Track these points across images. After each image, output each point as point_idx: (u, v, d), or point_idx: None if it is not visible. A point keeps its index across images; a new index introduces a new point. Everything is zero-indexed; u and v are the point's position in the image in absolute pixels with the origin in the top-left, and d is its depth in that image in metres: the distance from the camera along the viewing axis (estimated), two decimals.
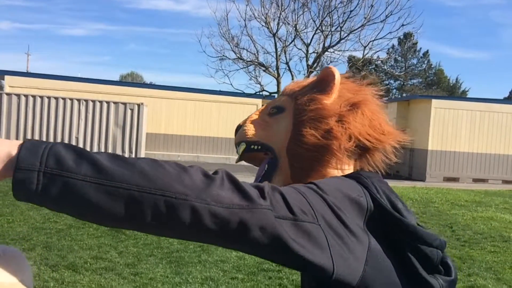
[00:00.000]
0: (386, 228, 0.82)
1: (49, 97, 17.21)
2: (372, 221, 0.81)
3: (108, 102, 17.52)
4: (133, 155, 17.71)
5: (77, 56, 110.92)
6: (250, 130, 1.05)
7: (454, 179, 18.53)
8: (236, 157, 1.13)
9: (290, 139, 0.98)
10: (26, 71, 27.56)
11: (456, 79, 54.05)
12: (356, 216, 0.80)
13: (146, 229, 0.69)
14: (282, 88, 13.22)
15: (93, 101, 17.44)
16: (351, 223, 0.78)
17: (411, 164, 19.38)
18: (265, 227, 0.69)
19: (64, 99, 17.29)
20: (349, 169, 0.99)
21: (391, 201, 0.85)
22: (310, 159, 0.95)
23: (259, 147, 1.03)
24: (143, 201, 0.65)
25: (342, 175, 0.93)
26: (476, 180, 18.70)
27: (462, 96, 45.84)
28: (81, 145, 17.35)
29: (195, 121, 21.13)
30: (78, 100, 17.36)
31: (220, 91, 20.94)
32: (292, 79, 12.95)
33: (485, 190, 15.77)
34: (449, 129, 18.45)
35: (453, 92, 50.40)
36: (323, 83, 1.00)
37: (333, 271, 0.74)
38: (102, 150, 17.55)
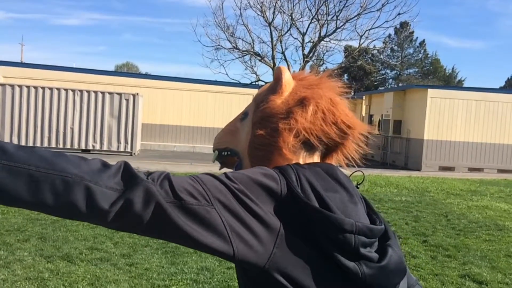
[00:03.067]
0: (300, 215, 0.83)
1: (43, 88, 17.09)
2: (285, 207, 0.83)
3: (103, 93, 17.43)
4: (129, 146, 17.67)
5: (71, 46, 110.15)
6: (221, 138, 1.12)
7: (450, 169, 18.60)
8: None
9: (248, 142, 1.02)
10: (20, 62, 27.30)
11: (452, 68, 54.06)
12: (266, 202, 0.82)
13: (47, 210, 0.74)
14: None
15: (88, 92, 17.34)
16: (259, 208, 0.81)
17: (407, 153, 19.42)
18: (149, 203, 0.75)
19: (58, 89, 17.18)
20: (305, 161, 0.99)
21: (317, 192, 0.86)
22: (262, 158, 0.98)
23: (229, 152, 1.09)
24: (41, 180, 0.71)
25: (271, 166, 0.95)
26: (471, 169, 18.77)
27: (458, 85, 45.90)
28: (76, 136, 17.30)
29: (191, 111, 21.06)
30: (73, 91, 17.25)
31: (216, 81, 20.86)
32: (288, 68, 12.88)
33: (481, 179, 15.84)
34: (445, 118, 18.47)
35: (449, 82, 50.41)
36: (276, 84, 1.03)
37: (233, 253, 0.79)
38: (98, 141, 17.51)
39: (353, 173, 1.13)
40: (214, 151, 1.14)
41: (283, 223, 0.83)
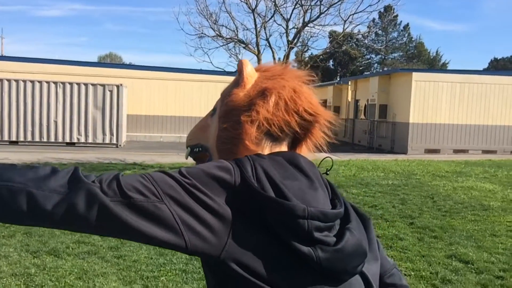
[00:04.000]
0: (254, 204, 0.85)
1: (24, 81, 16.79)
2: (239, 198, 0.85)
3: (86, 84, 17.18)
4: (114, 138, 17.51)
5: (53, 38, 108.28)
6: (193, 134, 1.13)
7: (435, 151, 18.79)
8: None
9: (216, 136, 1.03)
10: (0, 55, 26.75)
11: (437, 51, 54.42)
12: (220, 193, 0.84)
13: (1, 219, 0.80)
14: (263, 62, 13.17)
15: (71, 84, 17.08)
16: (212, 200, 0.83)
17: (393, 137, 19.56)
18: (91, 205, 0.78)
19: (40, 82, 16.89)
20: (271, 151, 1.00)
21: (272, 180, 0.87)
22: (228, 152, 0.99)
23: (200, 148, 1.10)
24: None
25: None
26: (456, 151, 18.98)
27: (442, 68, 46.22)
28: (60, 129, 17.07)
29: (176, 101, 20.89)
30: (55, 83, 16.98)
31: (201, 70, 20.67)
32: (273, 55, 12.81)
33: (465, 160, 16.04)
34: (429, 101, 18.59)
35: (434, 65, 50.74)
36: (238, 77, 1.04)
37: (185, 245, 0.81)
38: (83, 134, 17.30)
39: (322, 160, 1.13)
40: (187, 147, 1.15)
41: (237, 213, 0.84)
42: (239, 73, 1.04)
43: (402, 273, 4.68)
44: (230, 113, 1.00)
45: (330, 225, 0.89)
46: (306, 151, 1.06)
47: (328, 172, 1.09)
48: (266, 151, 0.99)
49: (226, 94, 1.05)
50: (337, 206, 0.94)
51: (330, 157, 1.14)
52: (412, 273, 4.75)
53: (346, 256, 0.87)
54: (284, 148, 1.02)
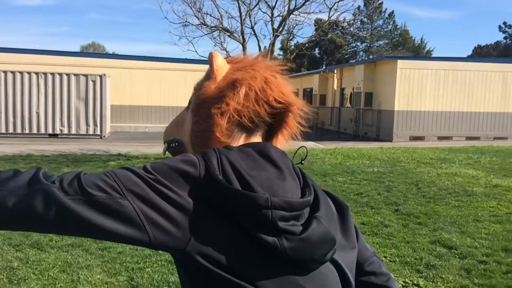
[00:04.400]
0: (219, 196, 0.85)
1: (5, 72, 16.46)
2: (204, 190, 0.85)
3: (68, 75, 16.90)
4: (98, 129, 17.31)
5: (34, 28, 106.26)
6: (169, 129, 1.14)
7: (420, 138, 18.96)
8: None
9: (190, 130, 1.04)
10: None
11: (421, 39, 54.84)
12: (184, 187, 0.84)
13: None
14: (247, 53, 13.10)
15: (52, 74, 16.78)
16: (176, 194, 0.83)
17: (378, 125, 19.67)
18: (49, 205, 0.78)
19: (21, 73, 16.57)
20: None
21: (238, 172, 0.87)
22: (200, 145, 0.99)
23: (176, 143, 1.10)
24: None
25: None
26: (441, 138, 19.19)
27: (427, 56, 46.51)
28: (42, 120, 16.81)
29: (161, 91, 20.69)
30: (37, 74, 16.67)
31: (185, 59, 20.46)
32: (258, 43, 12.72)
33: (450, 147, 16.22)
34: (414, 89, 18.71)
35: (418, 52, 51.03)
36: (209, 69, 1.04)
37: (149, 240, 0.81)
38: (65, 124, 17.06)
39: (298, 149, 1.13)
40: (164, 143, 1.14)
41: (202, 206, 0.84)
42: (210, 66, 1.03)
43: (387, 260, 4.73)
44: (201, 106, 1.00)
45: (296, 214, 0.87)
46: (282, 141, 1.05)
47: (303, 162, 1.09)
48: (239, 143, 0.98)
49: (198, 87, 1.05)
50: (306, 195, 0.93)
51: (305, 146, 1.14)
52: (397, 259, 4.80)
53: (312, 245, 0.86)
54: (257, 139, 1.01)
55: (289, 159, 0.99)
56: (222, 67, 1.02)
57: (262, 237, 0.83)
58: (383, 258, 4.79)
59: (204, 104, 1.00)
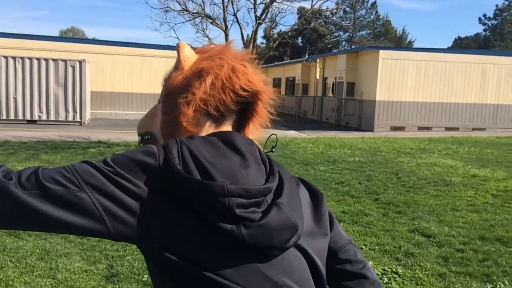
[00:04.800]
0: (177, 186, 0.85)
1: None
2: (163, 180, 0.85)
3: (46, 59, 16.52)
4: (78, 115, 17.02)
5: (10, 12, 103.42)
6: (142, 122, 1.13)
7: (401, 128, 19.18)
8: None
9: (160, 122, 1.04)
10: None
11: (403, 30, 55.12)
12: (143, 178, 0.85)
13: None
14: (230, 40, 12.97)
15: (30, 59, 16.38)
16: (134, 185, 0.84)
17: (360, 115, 19.82)
18: (5, 201, 0.79)
19: None
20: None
21: (198, 160, 0.87)
22: (169, 136, 0.99)
23: (149, 136, 1.09)
24: None
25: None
26: (421, 128, 19.44)
27: (408, 46, 46.89)
28: (20, 106, 16.44)
29: (142, 77, 20.40)
30: (14, 58, 16.25)
31: (167, 45, 20.18)
32: (241, 31, 12.63)
33: (429, 137, 16.46)
34: (395, 79, 18.86)
35: (400, 43, 51.42)
36: (177, 60, 1.04)
37: (108, 231, 0.82)
38: (44, 110, 16.73)
39: (269, 137, 1.12)
40: (138, 136, 1.14)
41: (161, 196, 0.84)
42: (177, 56, 1.04)
43: (367, 248, 4.78)
44: (169, 97, 1.01)
45: (256, 201, 0.87)
46: (253, 130, 1.05)
47: (273, 150, 1.09)
48: (208, 132, 0.99)
49: (166, 78, 1.05)
50: (269, 182, 0.92)
51: (275, 134, 1.13)
52: (377, 247, 4.86)
53: (271, 231, 0.86)
54: (227, 128, 1.01)
55: (257, 147, 0.98)
56: (189, 57, 1.03)
57: (220, 225, 0.83)
58: (363, 247, 4.85)
59: (171, 94, 1.00)
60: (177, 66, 1.03)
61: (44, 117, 16.73)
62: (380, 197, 6.97)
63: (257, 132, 1.06)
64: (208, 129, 0.99)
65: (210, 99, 0.96)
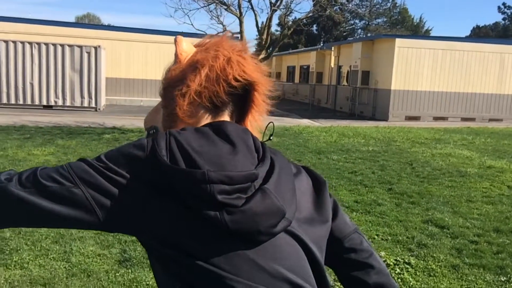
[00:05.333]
0: (165, 176, 0.87)
1: None
2: (151, 172, 0.88)
3: (62, 45, 16.63)
4: (93, 101, 17.16)
5: None
6: (147, 116, 1.16)
7: (416, 118, 18.96)
8: None
9: (161, 115, 1.07)
10: None
11: (420, 18, 54.26)
12: (132, 170, 0.88)
13: None
14: (245, 27, 12.64)
15: (46, 44, 16.50)
16: (124, 178, 0.87)
17: (374, 104, 19.62)
18: (8, 198, 0.85)
19: (14, 42, 16.28)
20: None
21: (184, 150, 0.88)
22: (168, 128, 1.01)
23: (154, 130, 1.10)
24: None
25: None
26: (436, 118, 19.19)
27: (425, 35, 46.11)
28: (36, 91, 16.61)
29: (157, 64, 20.41)
30: (30, 44, 16.38)
31: (182, 32, 20.13)
32: (255, 17, 12.52)
33: (445, 127, 16.24)
34: (411, 68, 18.59)
35: (417, 31, 50.59)
36: (175, 53, 1.06)
37: (100, 220, 0.87)
38: (60, 96, 16.89)
39: (267, 126, 1.13)
40: (145, 131, 1.17)
41: (149, 187, 0.87)
42: (175, 50, 1.06)
43: (379, 238, 4.75)
44: (167, 90, 1.03)
45: (241, 187, 0.87)
46: (253, 120, 1.07)
47: (271, 138, 1.11)
48: (205, 123, 1.00)
49: (165, 72, 1.07)
50: (256, 168, 0.92)
51: (272, 122, 1.14)
52: (389, 237, 4.83)
53: (255, 216, 0.86)
54: (224, 118, 1.03)
55: (250, 135, 0.99)
56: (186, 50, 1.05)
57: (204, 212, 0.85)
58: (375, 237, 4.83)
59: (169, 87, 1.02)
60: (175, 59, 1.05)
61: (60, 102, 16.89)
62: (393, 187, 6.92)
63: (257, 121, 1.07)
64: (205, 120, 1.01)
65: (204, 91, 0.97)
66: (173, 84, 1.02)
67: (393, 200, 6.26)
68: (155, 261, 0.92)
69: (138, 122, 13.82)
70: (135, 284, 3.62)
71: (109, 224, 0.87)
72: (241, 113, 1.05)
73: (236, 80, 0.98)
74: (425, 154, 10.09)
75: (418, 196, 6.49)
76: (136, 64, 20.36)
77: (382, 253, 4.34)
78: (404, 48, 18.43)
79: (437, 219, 5.46)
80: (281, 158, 1.00)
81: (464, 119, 19.29)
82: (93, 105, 17.11)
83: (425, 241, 4.74)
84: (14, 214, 0.87)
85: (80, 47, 16.76)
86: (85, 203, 0.86)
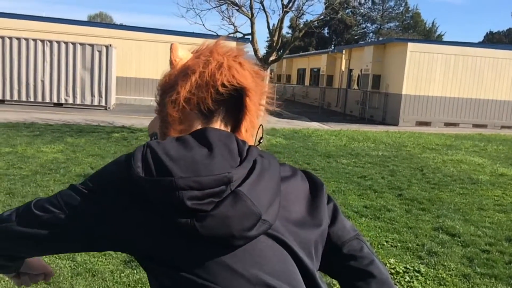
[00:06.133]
0: (139, 187, 0.87)
1: (10, 38, 16.28)
2: (128, 185, 0.88)
3: (74, 43, 16.72)
4: (103, 100, 17.22)
5: None
6: (150, 123, 1.14)
7: (426, 123, 18.77)
8: None
9: None
10: None
11: (433, 22, 53.89)
12: (111, 186, 0.89)
13: None
14: (256, 29, 12.53)
15: (58, 42, 16.59)
16: (103, 196, 0.89)
17: (385, 108, 19.47)
18: (7, 233, 0.93)
19: (27, 39, 16.39)
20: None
21: (158, 159, 0.87)
22: (162, 134, 1.03)
23: (156, 137, 1.10)
24: None
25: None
26: (447, 124, 18.99)
27: (437, 40, 45.78)
28: (47, 89, 16.71)
29: (167, 64, 20.32)
30: (42, 41, 16.49)
31: (193, 33, 20.15)
32: (267, 19, 12.48)
33: (456, 134, 16.06)
34: (423, 73, 18.42)
35: (429, 36, 50.27)
36: (169, 60, 1.06)
37: (88, 241, 0.91)
38: (70, 94, 16.97)
39: (258, 129, 1.09)
40: (149, 136, 1.18)
41: (130, 201, 0.87)
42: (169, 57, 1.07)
43: (388, 244, 4.66)
44: (160, 96, 1.03)
45: (213, 192, 0.85)
46: (248, 126, 1.04)
47: (260, 141, 1.08)
48: (196, 129, 0.99)
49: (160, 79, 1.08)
50: (233, 171, 0.88)
51: (261, 125, 1.10)
52: (399, 244, 4.74)
53: (225, 220, 0.84)
54: (216, 124, 1.01)
55: (234, 139, 0.96)
56: (181, 57, 1.04)
57: (176, 220, 0.83)
58: (385, 243, 4.74)
59: (162, 94, 1.02)
60: (170, 66, 1.05)
61: (70, 100, 16.97)
62: (403, 193, 6.82)
63: (254, 127, 1.04)
64: (196, 126, 1.00)
65: (193, 98, 0.97)
66: (165, 90, 1.02)
67: (403, 206, 6.16)
68: (148, 273, 0.92)
69: (147, 122, 13.77)
70: (140, 285, 3.58)
71: (98, 243, 0.91)
72: (236, 119, 1.03)
73: (224, 86, 0.96)
74: (436, 160, 9.96)
75: (429, 202, 6.39)
76: (146, 64, 20.41)
77: (392, 260, 4.26)
78: (416, 53, 18.27)
79: (448, 226, 5.36)
80: (269, 160, 0.95)
81: (475, 126, 19.06)
82: (103, 103, 17.17)
83: (435, 249, 4.65)
84: (15, 246, 0.95)
85: (92, 45, 16.83)
86: (71, 226, 0.90)
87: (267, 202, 0.88)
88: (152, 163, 0.87)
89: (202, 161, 0.88)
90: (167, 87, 1.01)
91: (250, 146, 0.97)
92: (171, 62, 1.05)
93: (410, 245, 4.73)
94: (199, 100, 0.97)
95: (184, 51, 1.06)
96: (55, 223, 0.90)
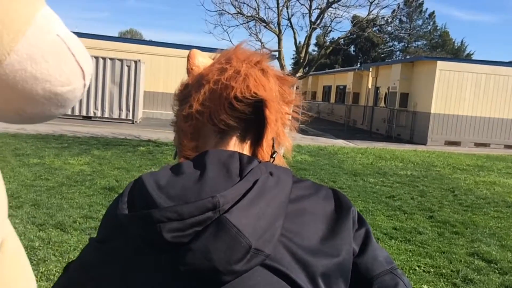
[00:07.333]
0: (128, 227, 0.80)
1: None
2: (120, 226, 0.80)
3: (104, 58, 17.03)
4: (131, 114, 17.41)
5: (75, 12, 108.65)
6: (174, 137, 1.05)
7: (456, 143, 18.30)
8: None
9: None
10: None
11: (462, 41, 53.16)
12: (110, 228, 0.84)
13: None
14: (283, 45, 12.56)
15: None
16: (107, 243, 0.83)
17: (413, 127, 19.09)
18: None
19: None
20: (217, 146, 0.92)
21: (145, 190, 0.78)
22: (178, 149, 0.96)
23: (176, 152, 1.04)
24: None
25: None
26: (477, 145, 18.47)
27: (467, 58, 45.02)
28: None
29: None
30: None
31: (221, 49, 20.32)
32: (294, 36, 12.44)
33: (487, 154, 15.57)
34: (453, 92, 18.03)
35: (458, 55, 49.52)
36: (186, 69, 0.99)
37: None
38: (99, 108, 17.24)
39: (273, 141, 0.95)
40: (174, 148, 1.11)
41: (123, 242, 0.81)
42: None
43: (421, 269, 4.43)
44: (176, 107, 0.96)
45: (197, 220, 0.73)
46: (269, 139, 0.91)
47: (273, 156, 0.93)
48: (211, 145, 0.90)
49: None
50: (215, 195, 0.75)
51: (273, 138, 0.97)
52: (432, 269, 4.50)
53: (206, 253, 0.72)
54: (231, 139, 0.90)
55: (237, 158, 0.84)
56: (199, 64, 0.97)
57: (156, 256, 0.76)
58: (416, 268, 4.51)
59: (176, 106, 0.96)
60: (188, 74, 0.98)
61: (99, 113, 17.24)
62: (434, 215, 6.55)
63: (272, 142, 0.92)
64: (210, 143, 0.90)
65: (206, 111, 0.87)
66: (180, 100, 0.95)
67: (434, 229, 5.91)
68: None
69: (172, 136, 13.84)
70: None
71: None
72: (256, 133, 0.91)
73: (237, 99, 0.84)
74: (467, 181, 9.61)
75: (462, 226, 6.11)
76: (174, 79, 20.63)
77: (425, 287, 4.03)
78: (445, 71, 17.92)
79: (483, 252, 5.08)
80: (278, 177, 0.82)
81: (507, 147, 18.47)
82: (130, 117, 17.37)
83: (471, 275, 4.40)
84: None
85: (121, 60, 17.12)
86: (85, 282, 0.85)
87: (261, 229, 0.74)
88: (137, 196, 0.79)
89: (191, 187, 0.78)
90: (181, 98, 0.94)
91: (259, 164, 0.83)
92: (188, 71, 0.98)
93: (444, 271, 4.48)
94: (212, 115, 0.86)
95: (205, 57, 0.98)
96: (76, 284, 0.88)
